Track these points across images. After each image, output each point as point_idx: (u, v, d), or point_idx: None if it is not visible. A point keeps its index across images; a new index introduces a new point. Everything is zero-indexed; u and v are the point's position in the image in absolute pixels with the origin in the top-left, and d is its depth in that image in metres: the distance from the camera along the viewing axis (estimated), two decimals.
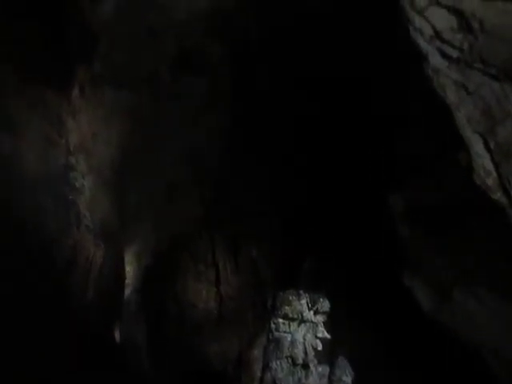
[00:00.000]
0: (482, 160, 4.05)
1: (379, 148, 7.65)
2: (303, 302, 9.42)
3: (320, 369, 9.19)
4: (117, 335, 7.53)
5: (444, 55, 3.83)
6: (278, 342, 9.33)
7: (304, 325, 9.41)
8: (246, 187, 8.79)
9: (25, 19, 5.66)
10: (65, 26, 6.01)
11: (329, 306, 9.35)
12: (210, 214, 8.63)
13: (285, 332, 9.36)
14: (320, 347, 9.28)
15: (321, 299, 9.40)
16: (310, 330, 9.39)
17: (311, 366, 9.19)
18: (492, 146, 3.93)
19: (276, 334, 9.37)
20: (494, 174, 4.04)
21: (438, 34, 3.75)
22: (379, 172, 7.54)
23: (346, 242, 8.34)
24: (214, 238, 9.28)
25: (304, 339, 9.34)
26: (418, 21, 3.83)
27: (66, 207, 6.09)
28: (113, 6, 6.06)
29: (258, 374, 9.28)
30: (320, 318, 9.40)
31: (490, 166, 4.02)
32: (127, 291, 8.04)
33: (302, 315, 9.42)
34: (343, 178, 8.22)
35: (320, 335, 9.35)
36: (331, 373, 9.12)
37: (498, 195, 4.16)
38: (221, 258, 9.36)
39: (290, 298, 9.43)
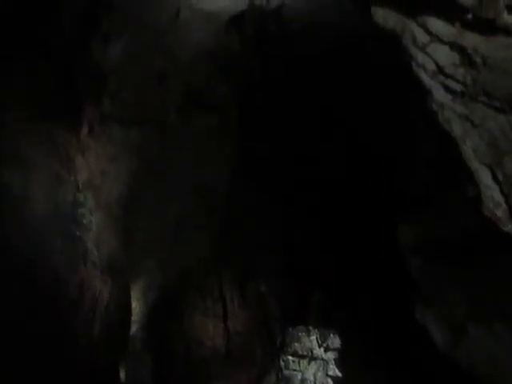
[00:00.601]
0: (491, 192, 4.04)
1: (387, 181, 7.67)
2: (313, 338, 9.20)
3: None
4: (122, 373, 7.40)
5: (448, 89, 3.88)
6: (287, 381, 9.06)
7: (314, 362, 9.16)
8: (254, 222, 8.79)
9: (37, 59, 5.85)
10: (76, 65, 6.19)
11: (339, 342, 9.12)
12: (217, 249, 8.60)
13: (294, 370, 9.10)
14: None
15: (331, 335, 9.18)
16: (321, 368, 9.13)
17: None
18: (500, 177, 3.92)
19: (286, 371, 9.11)
20: (504, 205, 4.02)
21: (440, 70, 3.82)
22: (388, 205, 7.53)
23: (355, 276, 8.24)
24: (221, 272, 9.20)
25: (315, 377, 9.06)
26: (420, 57, 3.90)
27: (74, 244, 6.10)
28: (122, 47, 6.27)
29: None
30: (331, 355, 9.15)
31: (499, 197, 4.01)
32: (133, 328, 7.93)
33: (311, 352, 9.18)
34: (352, 211, 8.21)
35: (331, 373, 9.07)
36: None
37: (508, 227, 4.12)
38: (228, 292, 9.24)
39: (300, 334, 9.22)
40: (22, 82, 5.72)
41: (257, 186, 8.56)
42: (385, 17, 3.93)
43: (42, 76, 5.91)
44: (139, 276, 7.71)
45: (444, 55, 3.75)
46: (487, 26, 3.40)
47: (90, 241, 6.30)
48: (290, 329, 9.29)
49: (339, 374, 9.05)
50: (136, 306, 7.87)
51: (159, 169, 7.08)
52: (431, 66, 3.90)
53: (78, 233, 6.14)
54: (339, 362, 9.08)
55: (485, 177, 4.03)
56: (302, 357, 9.17)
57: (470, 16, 3.41)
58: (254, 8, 6.70)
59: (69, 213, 6.05)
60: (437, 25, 3.64)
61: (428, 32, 3.74)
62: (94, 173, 6.35)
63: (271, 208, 8.79)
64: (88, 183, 6.29)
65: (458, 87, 3.80)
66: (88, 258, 6.25)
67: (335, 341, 9.16)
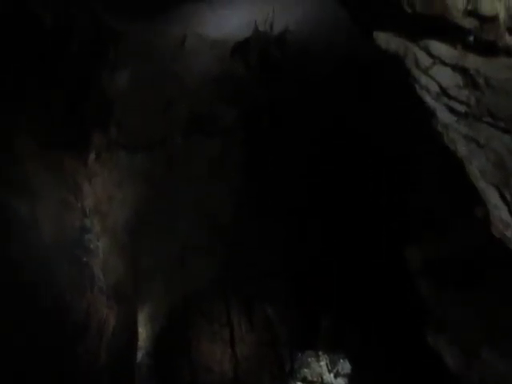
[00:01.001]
0: (500, 212, 3.99)
1: (393, 203, 7.65)
2: (322, 363, 9.01)
3: None
4: None
5: (452, 111, 3.90)
6: None
7: None
8: (260, 246, 8.76)
9: (44, 87, 5.97)
10: (83, 93, 6.32)
11: (349, 367, 8.93)
12: (223, 274, 8.55)
13: None
14: None
15: (341, 360, 9.00)
16: None
17: None
18: (508, 197, 3.89)
19: None
20: None
21: (444, 91, 3.84)
22: (394, 227, 7.48)
23: (363, 298, 8.12)
24: (228, 297, 9.13)
25: None
26: (423, 79, 3.93)
27: (80, 269, 6.12)
28: (129, 74, 6.41)
29: None
30: (341, 381, 8.94)
31: (508, 217, 3.96)
32: (139, 354, 7.87)
33: (321, 378, 8.98)
34: (358, 234, 8.17)
35: None
36: None
37: None
38: (235, 317, 9.14)
39: (309, 359, 9.04)
40: (30, 110, 5.84)
41: (262, 210, 8.56)
42: (387, 40, 3.98)
43: (50, 104, 6.04)
44: (146, 301, 7.68)
45: (447, 77, 3.78)
46: (489, 48, 3.44)
47: (96, 266, 6.32)
48: (299, 354, 9.13)
49: None
50: (143, 331, 7.82)
51: (164, 193, 7.15)
52: (435, 88, 3.92)
53: (84, 258, 6.16)
54: None
55: (492, 197, 3.99)
56: (312, 383, 8.97)
57: (471, 38, 3.46)
58: (258, 34, 6.86)
59: (76, 238, 6.10)
60: (439, 47, 3.69)
61: (430, 55, 3.78)
62: (100, 199, 6.41)
63: (276, 230, 8.76)
64: (95, 209, 6.35)
65: (462, 108, 3.82)
66: (95, 283, 6.26)
67: (345, 366, 8.96)
